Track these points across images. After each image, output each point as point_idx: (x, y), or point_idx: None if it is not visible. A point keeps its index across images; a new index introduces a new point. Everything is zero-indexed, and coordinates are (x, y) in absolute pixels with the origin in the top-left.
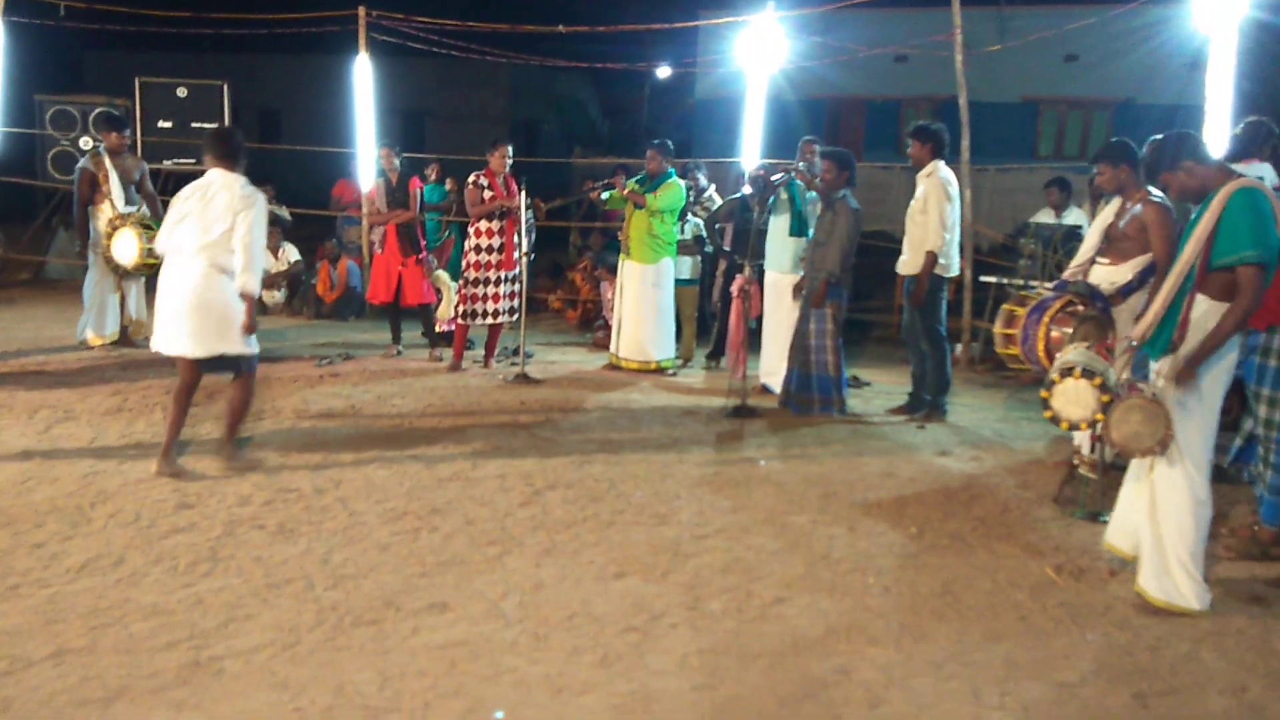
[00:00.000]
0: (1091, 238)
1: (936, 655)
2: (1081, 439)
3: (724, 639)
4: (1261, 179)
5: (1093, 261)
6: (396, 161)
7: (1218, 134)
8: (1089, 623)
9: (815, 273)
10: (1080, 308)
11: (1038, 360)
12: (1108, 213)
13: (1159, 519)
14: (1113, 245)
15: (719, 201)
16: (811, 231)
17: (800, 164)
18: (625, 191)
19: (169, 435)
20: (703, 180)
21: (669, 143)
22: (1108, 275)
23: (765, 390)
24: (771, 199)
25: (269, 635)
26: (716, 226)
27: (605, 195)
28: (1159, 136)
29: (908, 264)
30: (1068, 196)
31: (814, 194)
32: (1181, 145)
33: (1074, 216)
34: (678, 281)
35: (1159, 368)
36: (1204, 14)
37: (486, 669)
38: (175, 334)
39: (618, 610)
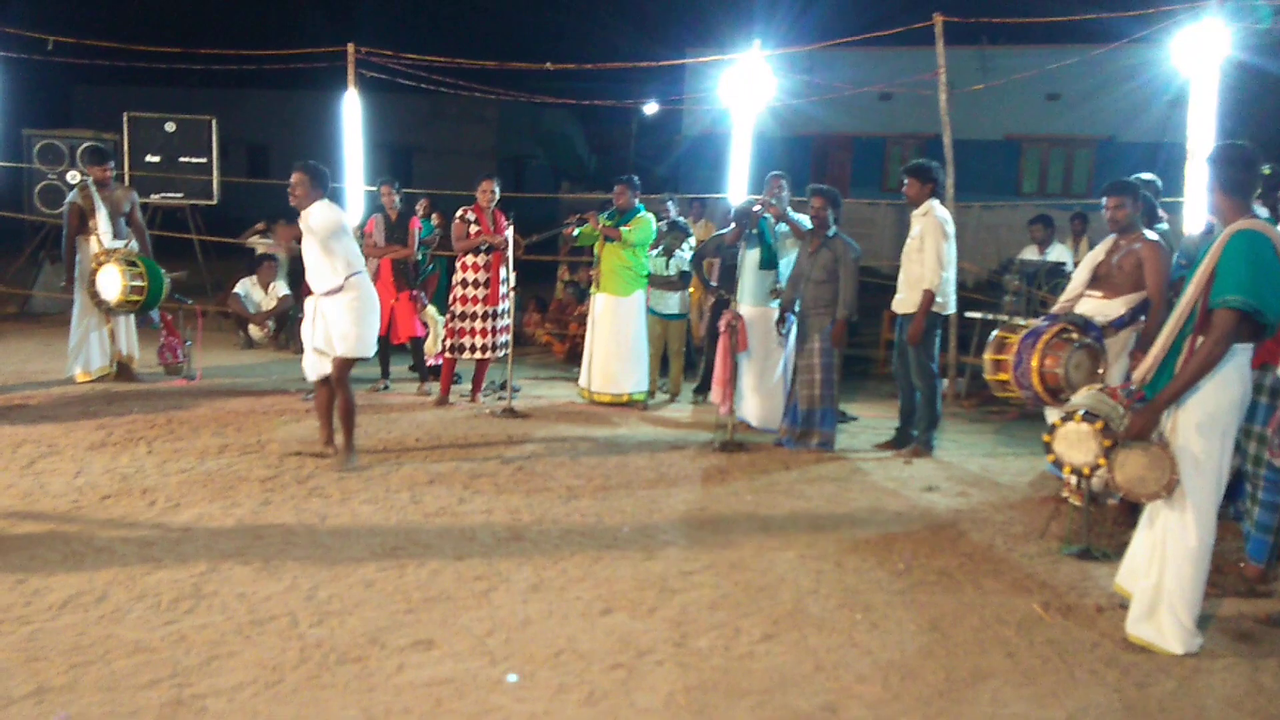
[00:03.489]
0: (1081, 273)
1: (924, 692)
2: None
3: (711, 676)
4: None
5: (1081, 296)
6: (396, 199)
7: (1200, 173)
8: (1077, 660)
9: (819, 310)
10: (1075, 335)
11: (1030, 385)
12: (1099, 250)
13: (1163, 563)
14: (1104, 281)
15: (691, 235)
16: (782, 264)
17: (770, 199)
18: (599, 226)
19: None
20: (673, 213)
21: (635, 178)
22: (1100, 308)
23: (746, 426)
24: (744, 233)
25: (252, 673)
26: (704, 261)
27: (577, 231)
28: (1145, 176)
29: (904, 302)
30: (1051, 233)
31: (783, 226)
32: (1214, 162)
33: (1057, 253)
34: (668, 316)
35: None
36: (1185, 54)
37: (472, 707)
38: None
39: (604, 647)
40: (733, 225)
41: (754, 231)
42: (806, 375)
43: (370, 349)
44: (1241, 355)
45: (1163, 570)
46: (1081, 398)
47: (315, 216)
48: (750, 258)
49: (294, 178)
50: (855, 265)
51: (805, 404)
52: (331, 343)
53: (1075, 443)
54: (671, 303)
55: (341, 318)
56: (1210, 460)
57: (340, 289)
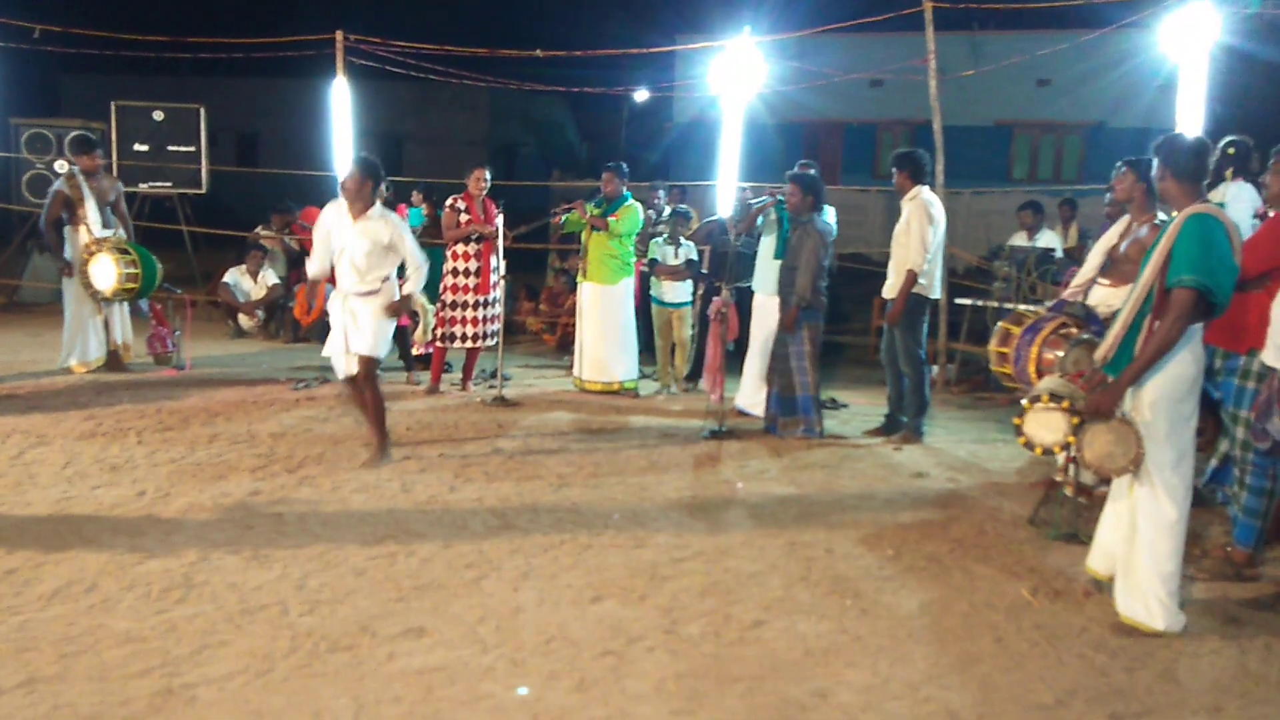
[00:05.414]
0: (1094, 258)
1: (913, 677)
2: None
3: (702, 662)
4: (1220, 205)
5: (1094, 281)
6: (384, 187)
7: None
8: (1065, 644)
9: (788, 296)
10: (1074, 330)
11: (1028, 381)
12: (1112, 233)
13: (1136, 539)
14: (1115, 267)
15: (691, 219)
16: None
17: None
18: (586, 215)
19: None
20: (663, 200)
21: (624, 165)
22: (1106, 297)
23: (740, 413)
24: (760, 220)
25: (243, 662)
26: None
27: (564, 219)
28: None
29: (893, 287)
30: (1040, 219)
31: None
32: (1175, 148)
33: (1046, 239)
34: (671, 304)
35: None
36: (1174, 39)
37: (463, 694)
38: None
39: (595, 634)
40: (725, 214)
41: (771, 218)
42: (782, 363)
43: (386, 348)
44: (1192, 334)
45: (1138, 548)
46: (1045, 383)
47: (379, 232)
48: (766, 246)
49: (351, 173)
50: (817, 250)
51: (784, 391)
52: (355, 341)
53: (1044, 424)
54: (676, 291)
55: (369, 318)
56: (1174, 435)
57: (375, 292)
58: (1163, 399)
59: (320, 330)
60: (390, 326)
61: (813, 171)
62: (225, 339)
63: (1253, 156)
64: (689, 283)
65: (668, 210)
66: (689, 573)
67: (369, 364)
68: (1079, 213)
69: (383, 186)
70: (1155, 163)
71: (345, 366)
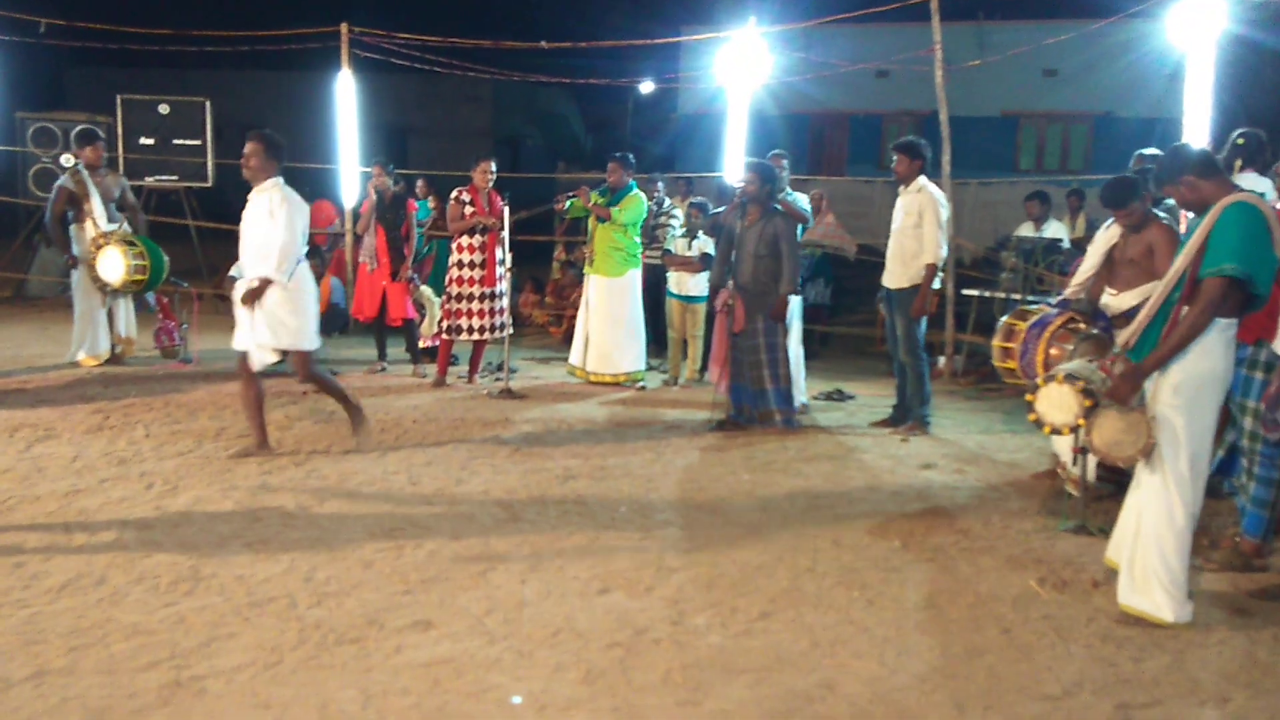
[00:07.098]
0: (1093, 256)
1: (920, 669)
2: (1063, 449)
3: (708, 654)
4: (1262, 195)
5: (1094, 280)
6: (389, 179)
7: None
8: (1072, 635)
9: (759, 287)
10: (1081, 325)
11: (1035, 376)
12: (1113, 233)
13: (1143, 529)
14: (1118, 273)
15: (679, 215)
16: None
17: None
18: (590, 204)
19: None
20: (661, 192)
21: (630, 156)
22: (1113, 304)
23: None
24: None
25: (251, 654)
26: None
27: (568, 204)
28: (1147, 151)
29: (896, 276)
30: (1047, 209)
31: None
32: (1178, 159)
33: (1054, 229)
34: (686, 299)
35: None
36: (1182, 28)
37: (470, 687)
38: None
39: (602, 626)
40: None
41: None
42: (752, 356)
43: (306, 340)
44: (1226, 329)
45: (1145, 539)
46: (1067, 364)
47: (262, 202)
48: None
49: (248, 147)
50: (795, 239)
51: (755, 384)
52: (269, 333)
53: (1057, 403)
54: (691, 285)
55: (271, 305)
56: (1190, 429)
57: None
58: (1185, 388)
59: (327, 322)
60: (299, 314)
61: (785, 162)
62: (232, 332)
63: (1265, 149)
64: (706, 275)
65: (667, 202)
66: (695, 564)
67: (302, 359)
68: (1086, 203)
69: (389, 180)
70: (1175, 183)
71: (261, 359)
